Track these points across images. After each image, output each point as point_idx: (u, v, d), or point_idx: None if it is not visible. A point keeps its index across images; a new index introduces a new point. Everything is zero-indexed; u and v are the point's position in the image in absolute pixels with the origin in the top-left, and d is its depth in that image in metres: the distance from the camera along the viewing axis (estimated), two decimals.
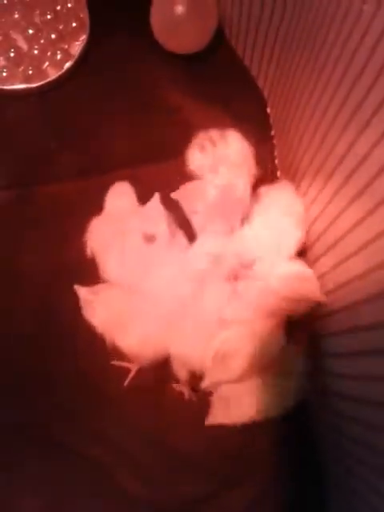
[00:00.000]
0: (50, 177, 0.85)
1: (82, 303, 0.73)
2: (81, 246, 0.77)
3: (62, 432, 0.74)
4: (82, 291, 0.73)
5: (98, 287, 0.73)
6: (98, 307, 0.71)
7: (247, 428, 0.69)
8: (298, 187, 0.76)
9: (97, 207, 0.78)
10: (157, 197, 0.75)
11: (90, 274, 0.76)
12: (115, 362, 0.74)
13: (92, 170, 0.85)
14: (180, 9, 0.85)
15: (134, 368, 0.73)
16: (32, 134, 0.87)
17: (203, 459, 0.74)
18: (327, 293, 0.68)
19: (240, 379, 0.68)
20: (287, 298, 0.68)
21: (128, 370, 0.74)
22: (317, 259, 0.71)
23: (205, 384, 0.69)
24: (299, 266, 0.71)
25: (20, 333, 0.78)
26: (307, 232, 0.73)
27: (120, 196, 0.78)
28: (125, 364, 0.74)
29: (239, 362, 0.67)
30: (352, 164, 0.56)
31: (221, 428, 0.71)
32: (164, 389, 0.75)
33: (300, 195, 0.75)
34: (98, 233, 0.75)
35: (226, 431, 0.71)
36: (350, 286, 0.60)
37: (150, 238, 0.70)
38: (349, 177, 0.57)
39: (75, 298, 0.77)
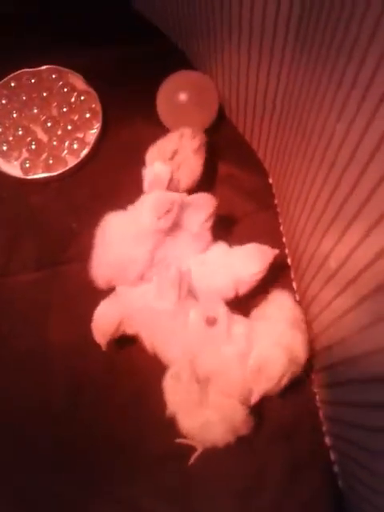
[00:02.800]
0: (73, 256, 0.92)
1: (168, 380, 0.75)
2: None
3: (95, 500, 0.78)
4: (175, 369, 0.76)
5: (182, 371, 0.75)
6: (178, 390, 0.75)
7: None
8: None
9: None
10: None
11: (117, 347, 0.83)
12: (180, 440, 0.77)
13: None
14: (183, 96, 0.94)
15: (199, 447, 0.76)
16: (54, 217, 0.95)
17: None
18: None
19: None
20: None
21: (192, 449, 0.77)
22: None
23: (255, 398, 0.74)
24: None
25: (52, 406, 0.83)
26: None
27: None
28: (189, 442, 0.77)
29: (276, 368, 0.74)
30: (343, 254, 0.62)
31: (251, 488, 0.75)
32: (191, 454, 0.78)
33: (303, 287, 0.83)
34: (158, 329, 0.78)
35: (253, 491, 0.76)
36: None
37: (212, 322, 0.75)
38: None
39: (105, 369, 0.83)
